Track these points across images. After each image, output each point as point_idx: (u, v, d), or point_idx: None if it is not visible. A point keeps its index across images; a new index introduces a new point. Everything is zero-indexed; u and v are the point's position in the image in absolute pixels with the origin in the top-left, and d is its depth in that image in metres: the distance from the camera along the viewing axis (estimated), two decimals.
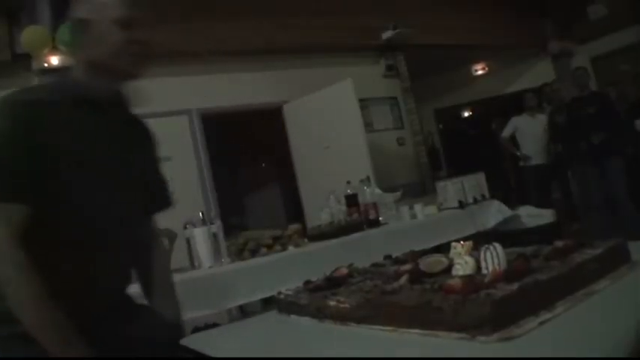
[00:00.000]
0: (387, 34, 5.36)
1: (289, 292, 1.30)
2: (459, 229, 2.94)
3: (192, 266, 2.40)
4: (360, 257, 1.63)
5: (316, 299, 1.17)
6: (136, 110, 1.24)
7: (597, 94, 4.72)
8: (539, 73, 6.72)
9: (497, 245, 0.99)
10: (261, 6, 4.68)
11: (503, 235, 3.18)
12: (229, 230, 2.80)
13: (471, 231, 3.02)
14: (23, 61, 3.78)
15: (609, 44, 6.21)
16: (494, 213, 3.32)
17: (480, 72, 7.81)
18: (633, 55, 5.89)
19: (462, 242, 1.12)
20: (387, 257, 1.43)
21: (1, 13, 3.82)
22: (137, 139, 1.20)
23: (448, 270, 1.07)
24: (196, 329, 2.19)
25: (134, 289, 1.30)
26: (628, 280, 0.97)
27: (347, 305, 1.06)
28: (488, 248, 0.99)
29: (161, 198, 1.32)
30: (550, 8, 6.59)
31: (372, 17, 5.30)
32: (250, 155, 6.87)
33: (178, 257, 2.43)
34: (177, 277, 2.14)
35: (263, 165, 7.24)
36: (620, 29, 6.10)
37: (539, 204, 4.11)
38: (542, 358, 0.70)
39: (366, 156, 4.53)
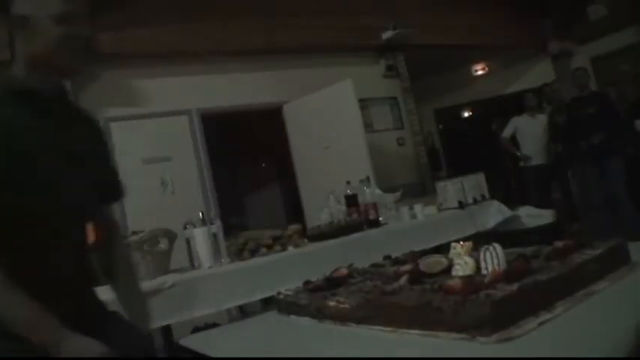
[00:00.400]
0: (387, 34, 5.36)
1: (289, 293, 1.30)
2: (458, 230, 2.94)
3: (192, 266, 2.40)
4: (359, 257, 1.63)
5: (316, 299, 1.17)
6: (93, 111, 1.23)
7: (597, 95, 4.72)
8: (539, 73, 6.72)
9: (497, 245, 0.99)
10: (261, 6, 4.68)
11: (503, 235, 3.18)
12: (229, 230, 2.80)
13: (471, 231, 3.01)
14: None
15: (609, 44, 6.20)
16: (494, 213, 3.32)
17: (479, 72, 7.81)
18: (633, 55, 5.89)
19: (461, 242, 1.13)
20: (387, 257, 1.43)
21: (1, 12, 3.82)
22: (82, 132, 1.20)
23: (448, 270, 1.07)
24: (196, 329, 2.20)
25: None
26: (628, 280, 0.97)
27: (347, 305, 1.06)
28: (488, 249, 0.99)
29: (112, 188, 1.31)
30: (550, 8, 6.58)
31: (372, 17, 5.30)
32: (250, 155, 6.88)
33: (178, 257, 2.44)
34: (177, 278, 2.16)
35: (263, 165, 7.25)
36: (620, 29, 6.10)
37: (539, 204, 4.11)
38: (542, 358, 0.70)
39: (366, 156, 4.53)
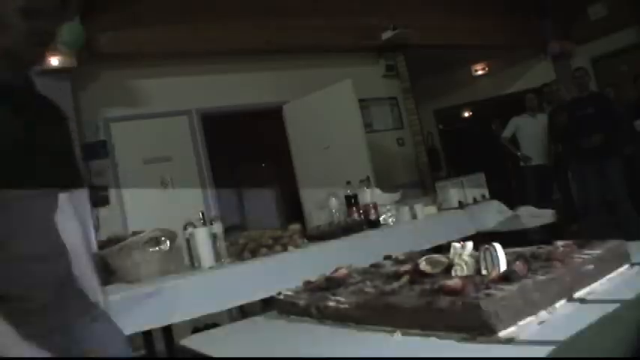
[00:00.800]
0: (386, 35, 5.36)
1: (289, 293, 1.30)
2: (458, 229, 2.93)
3: (193, 266, 2.40)
4: (360, 257, 1.63)
5: (316, 299, 1.17)
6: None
7: (597, 95, 4.73)
8: (539, 74, 6.72)
9: (497, 245, 0.99)
10: (261, 6, 4.68)
11: (503, 235, 3.18)
12: (229, 230, 2.80)
13: (471, 231, 3.01)
14: None
15: (609, 45, 6.21)
16: (494, 213, 3.32)
17: (480, 72, 7.81)
18: (633, 55, 5.90)
19: (461, 242, 1.12)
20: (387, 257, 1.43)
21: None
22: (44, 121, 1.20)
23: (448, 270, 1.07)
24: (196, 329, 2.20)
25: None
26: (627, 280, 0.97)
27: (347, 306, 1.06)
28: (487, 248, 0.99)
29: (71, 177, 1.31)
30: (550, 9, 6.58)
31: (371, 17, 5.30)
32: (250, 155, 6.88)
33: (178, 257, 2.44)
34: (177, 278, 2.16)
35: (263, 165, 7.25)
36: (620, 30, 6.10)
37: (539, 204, 4.11)
38: (542, 358, 0.70)
39: (366, 156, 4.53)
